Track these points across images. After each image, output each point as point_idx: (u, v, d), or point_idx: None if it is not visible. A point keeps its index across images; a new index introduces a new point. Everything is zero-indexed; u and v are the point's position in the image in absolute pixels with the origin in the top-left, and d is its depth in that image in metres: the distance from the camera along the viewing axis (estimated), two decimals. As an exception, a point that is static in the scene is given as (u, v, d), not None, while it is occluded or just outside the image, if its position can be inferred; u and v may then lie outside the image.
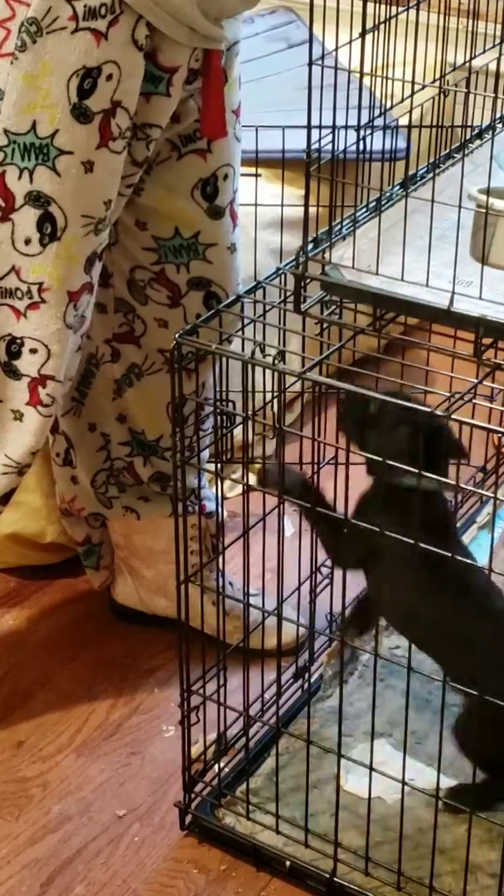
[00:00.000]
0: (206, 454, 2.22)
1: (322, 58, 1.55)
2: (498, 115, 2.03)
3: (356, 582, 1.92)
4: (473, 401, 1.66)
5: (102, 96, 1.77)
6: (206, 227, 2.03)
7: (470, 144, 1.98)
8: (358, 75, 1.57)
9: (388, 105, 1.72)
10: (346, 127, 1.63)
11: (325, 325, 1.80)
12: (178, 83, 1.84)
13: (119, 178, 1.86)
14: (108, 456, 2.25)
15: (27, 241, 1.84)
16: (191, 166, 1.99)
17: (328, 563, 2.01)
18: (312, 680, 2.16)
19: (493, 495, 1.61)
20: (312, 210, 1.66)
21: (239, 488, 2.54)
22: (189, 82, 1.88)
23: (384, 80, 1.67)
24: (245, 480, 1.79)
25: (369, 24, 1.59)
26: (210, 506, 2.23)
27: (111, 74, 1.76)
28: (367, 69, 1.57)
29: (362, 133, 1.64)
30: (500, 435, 1.90)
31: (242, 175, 2.43)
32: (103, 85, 1.76)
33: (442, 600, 1.76)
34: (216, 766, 1.96)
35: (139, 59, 1.77)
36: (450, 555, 1.58)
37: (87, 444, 2.25)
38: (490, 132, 2.01)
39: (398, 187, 1.85)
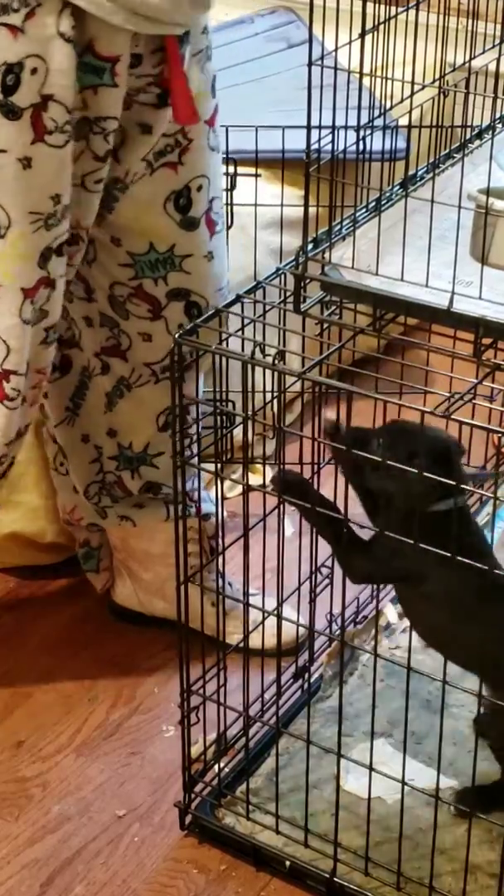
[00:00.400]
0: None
1: (322, 58, 1.55)
2: (498, 115, 2.03)
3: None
4: (473, 401, 1.66)
5: (29, 91, 1.74)
6: (181, 238, 2.02)
7: (470, 144, 1.98)
8: (358, 75, 1.57)
9: (388, 105, 1.72)
10: (346, 127, 1.62)
11: (324, 326, 1.80)
12: (123, 72, 1.81)
13: (67, 173, 1.82)
14: (100, 468, 2.26)
15: None
16: (162, 180, 1.97)
17: (328, 562, 2.01)
18: (312, 680, 2.16)
19: (493, 495, 1.61)
20: (312, 210, 1.66)
21: (239, 488, 2.54)
22: (134, 66, 1.83)
23: (384, 80, 1.67)
24: (245, 480, 1.79)
25: (369, 25, 1.58)
26: (206, 507, 2.23)
27: (36, 68, 1.73)
28: (366, 69, 1.57)
29: (362, 133, 1.64)
30: (500, 435, 1.90)
31: (242, 175, 2.45)
32: (28, 79, 1.73)
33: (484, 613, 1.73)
34: (216, 766, 1.96)
35: (67, 51, 1.73)
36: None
37: (80, 455, 2.26)
38: (490, 132, 2.01)
39: (398, 187, 1.85)
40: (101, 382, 2.18)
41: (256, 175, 2.50)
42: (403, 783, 1.75)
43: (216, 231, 2.06)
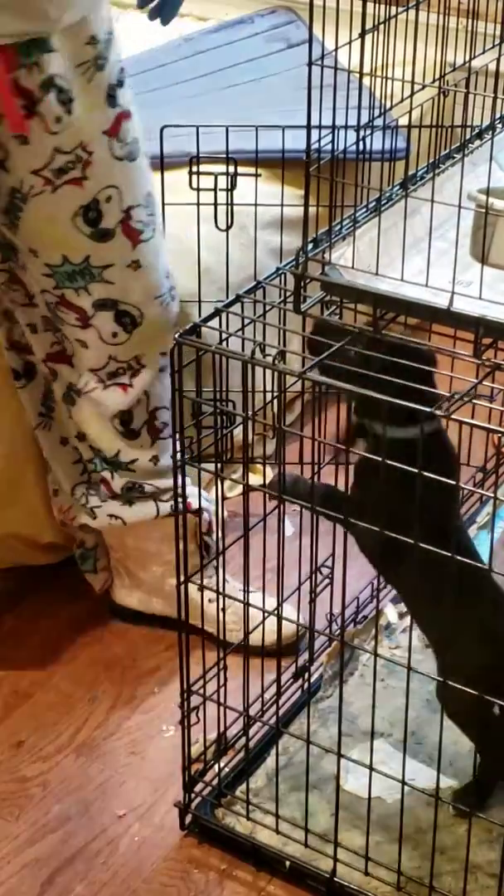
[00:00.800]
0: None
1: (322, 58, 1.55)
2: (498, 115, 2.03)
3: (355, 581, 1.92)
4: (473, 401, 1.66)
5: None
6: (95, 250, 2.02)
7: (470, 145, 1.98)
8: (358, 75, 1.57)
9: (388, 105, 1.72)
10: (346, 127, 1.63)
11: (324, 325, 1.80)
12: None
13: None
14: (84, 469, 2.27)
15: None
16: (68, 196, 1.96)
17: (328, 562, 2.01)
18: (312, 680, 2.16)
19: (493, 495, 1.61)
20: (312, 210, 1.66)
21: (239, 488, 2.54)
22: None
23: (384, 80, 1.67)
24: (245, 480, 1.79)
25: (369, 24, 1.58)
26: (195, 503, 2.22)
27: None
28: (366, 69, 1.57)
29: (362, 133, 1.64)
30: (500, 435, 1.90)
31: (242, 175, 2.44)
32: None
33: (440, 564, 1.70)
34: (216, 766, 1.96)
35: None
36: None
37: (61, 458, 2.29)
38: (490, 132, 2.01)
39: (398, 187, 1.85)
40: (56, 389, 2.20)
41: (256, 175, 2.49)
42: (403, 783, 1.75)
43: (142, 240, 2.05)
